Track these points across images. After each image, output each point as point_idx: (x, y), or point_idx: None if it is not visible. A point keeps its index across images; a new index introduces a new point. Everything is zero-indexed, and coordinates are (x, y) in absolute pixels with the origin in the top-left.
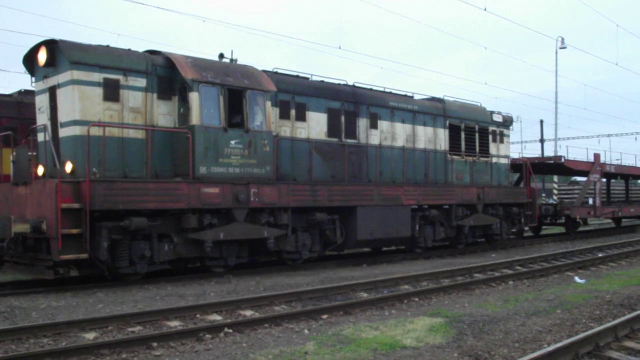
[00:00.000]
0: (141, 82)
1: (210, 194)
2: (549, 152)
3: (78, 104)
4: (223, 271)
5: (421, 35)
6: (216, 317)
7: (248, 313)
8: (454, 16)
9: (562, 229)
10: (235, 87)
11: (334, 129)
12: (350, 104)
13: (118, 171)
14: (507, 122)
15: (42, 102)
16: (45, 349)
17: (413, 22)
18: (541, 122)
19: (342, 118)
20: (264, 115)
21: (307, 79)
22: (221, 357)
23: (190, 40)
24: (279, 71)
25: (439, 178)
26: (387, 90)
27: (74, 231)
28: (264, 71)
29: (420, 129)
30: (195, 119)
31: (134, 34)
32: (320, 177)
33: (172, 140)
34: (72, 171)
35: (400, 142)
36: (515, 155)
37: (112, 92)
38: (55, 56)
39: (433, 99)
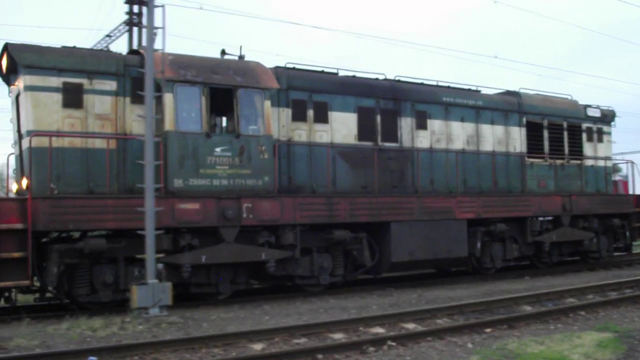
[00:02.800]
0: (110, 85)
1: (187, 210)
2: None
3: (32, 112)
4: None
5: (581, 40)
6: (379, 330)
7: (410, 326)
8: (616, 18)
9: None
10: (222, 86)
11: (366, 131)
12: (389, 101)
13: (81, 186)
14: (607, 117)
15: (13, 112)
16: (216, 358)
17: (571, 26)
18: None
19: (378, 118)
20: (261, 117)
21: (335, 74)
22: None
23: (346, 56)
24: (297, 67)
25: (513, 186)
26: (441, 84)
27: (16, 255)
28: (277, 67)
29: (486, 128)
30: (168, 124)
31: (293, 54)
32: (347, 187)
33: None
34: (28, 187)
35: (458, 144)
36: None
37: (73, 97)
38: (15, 62)
39: (508, 92)
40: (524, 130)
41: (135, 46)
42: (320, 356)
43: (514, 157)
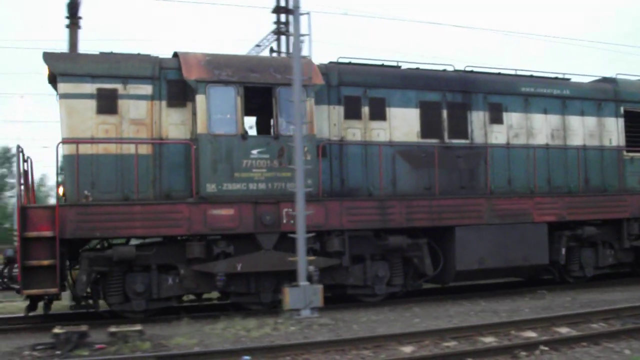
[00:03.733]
0: (145, 89)
1: (221, 216)
2: None
3: (66, 119)
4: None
5: None
6: (531, 334)
7: (564, 330)
8: None
9: None
10: (260, 85)
11: (430, 127)
12: (457, 94)
13: (116, 193)
14: None
15: None
16: None
17: None
18: None
19: (444, 113)
20: (303, 116)
21: (395, 67)
22: None
23: (491, 55)
24: (351, 61)
25: (609, 184)
26: (519, 72)
27: (45, 262)
28: (329, 62)
29: (575, 120)
30: (200, 126)
31: (441, 55)
32: (408, 189)
33: (186, 155)
34: (64, 194)
35: (541, 139)
36: None
37: (107, 103)
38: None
39: (604, 79)
40: (621, 121)
41: (283, 53)
42: None
43: (610, 152)
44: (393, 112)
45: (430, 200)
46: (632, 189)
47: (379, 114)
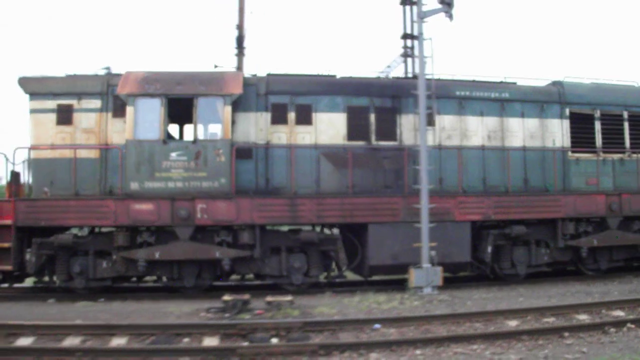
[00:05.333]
0: (95, 103)
1: (142, 210)
2: None
3: (33, 130)
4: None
5: None
6: (619, 313)
7: None
8: None
9: None
10: (183, 96)
11: (357, 130)
12: (387, 99)
13: (69, 190)
14: None
15: None
16: (477, 332)
17: None
18: None
19: (372, 117)
20: (221, 122)
21: (330, 76)
22: (624, 350)
23: (616, 67)
24: (279, 72)
25: (550, 184)
26: (455, 78)
27: (5, 245)
28: (269, 75)
29: (514, 122)
30: (127, 133)
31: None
32: (332, 189)
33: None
34: (31, 191)
35: (476, 141)
36: None
37: (65, 116)
38: None
39: (553, 83)
40: (566, 123)
41: (410, 73)
42: (566, 334)
43: (552, 153)
44: (319, 117)
45: (342, 199)
46: (578, 189)
47: (305, 118)
